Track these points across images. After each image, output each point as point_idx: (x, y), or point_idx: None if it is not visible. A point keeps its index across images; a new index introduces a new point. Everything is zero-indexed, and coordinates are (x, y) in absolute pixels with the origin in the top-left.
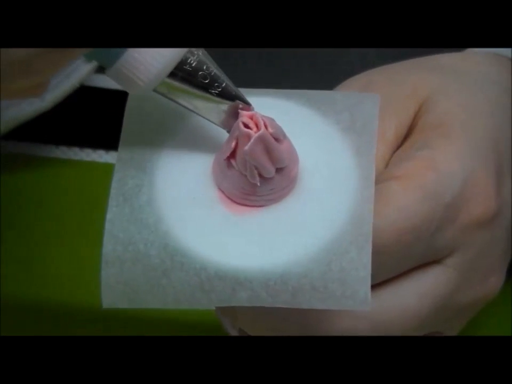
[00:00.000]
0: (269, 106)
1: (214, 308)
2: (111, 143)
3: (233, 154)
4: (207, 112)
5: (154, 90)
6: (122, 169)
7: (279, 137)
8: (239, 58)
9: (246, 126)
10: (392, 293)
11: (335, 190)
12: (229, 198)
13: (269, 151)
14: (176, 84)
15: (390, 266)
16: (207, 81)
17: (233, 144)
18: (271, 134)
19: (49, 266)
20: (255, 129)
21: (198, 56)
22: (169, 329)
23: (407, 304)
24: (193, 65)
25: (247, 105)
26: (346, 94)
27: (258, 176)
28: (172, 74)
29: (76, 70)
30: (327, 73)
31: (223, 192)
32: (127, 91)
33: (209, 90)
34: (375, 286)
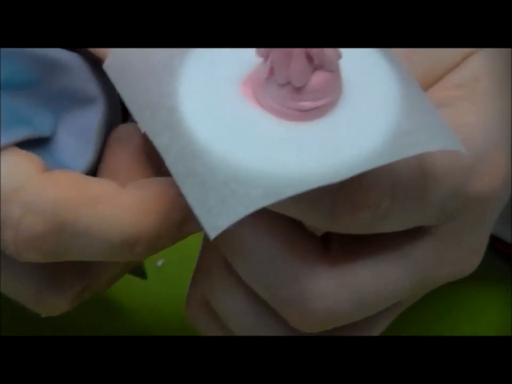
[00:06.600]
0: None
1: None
2: None
3: None
4: None
5: None
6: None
7: (313, 59)
8: None
9: None
10: (379, 261)
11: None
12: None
13: (290, 58)
14: None
15: (407, 211)
16: None
17: None
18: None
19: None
20: None
21: None
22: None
23: (392, 276)
24: None
25: None
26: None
27: (269, 71)
28: None
29: None
30: None
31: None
32: None
33: None
34: (361, 252)
